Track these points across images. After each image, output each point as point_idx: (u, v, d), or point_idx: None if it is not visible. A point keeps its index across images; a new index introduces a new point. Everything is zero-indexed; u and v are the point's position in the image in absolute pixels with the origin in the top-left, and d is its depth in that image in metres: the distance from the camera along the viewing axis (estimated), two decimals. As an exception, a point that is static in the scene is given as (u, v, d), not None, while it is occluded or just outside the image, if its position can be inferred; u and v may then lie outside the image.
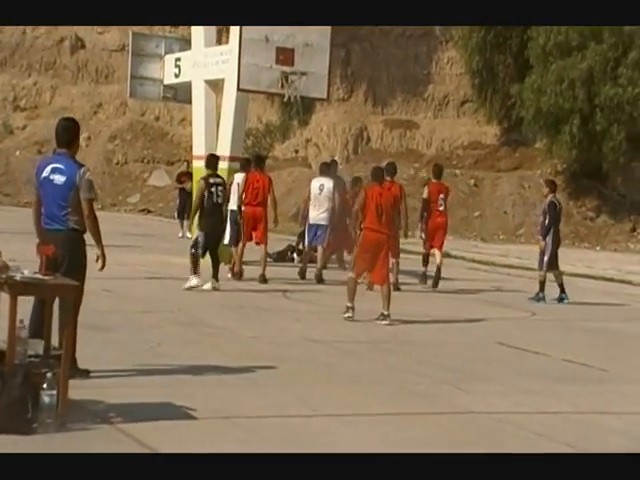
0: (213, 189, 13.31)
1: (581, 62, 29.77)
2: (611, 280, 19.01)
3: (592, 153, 30.52)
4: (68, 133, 7.32)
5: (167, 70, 19.25)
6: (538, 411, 7.26)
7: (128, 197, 39.05)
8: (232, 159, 17.40)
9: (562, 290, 14.26)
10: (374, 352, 9.38)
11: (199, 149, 18.27)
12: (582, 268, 20.68)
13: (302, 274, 15.57)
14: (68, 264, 7.10)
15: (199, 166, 18.07)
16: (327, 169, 16.48)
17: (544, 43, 30.48)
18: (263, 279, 14.65)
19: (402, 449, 5.83)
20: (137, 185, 39.83)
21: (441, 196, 15.20)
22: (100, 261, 7.35)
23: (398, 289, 14.09)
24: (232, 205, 14.90)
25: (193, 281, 13.02)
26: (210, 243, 13.29)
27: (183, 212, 23.28)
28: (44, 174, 7.22)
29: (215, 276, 13.25)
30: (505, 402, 7.45)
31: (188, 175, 22.56)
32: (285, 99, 17.49)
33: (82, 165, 7.30)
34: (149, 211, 36.76)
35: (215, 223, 13.39)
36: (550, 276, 14.31)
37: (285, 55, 16.62)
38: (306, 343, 9.58)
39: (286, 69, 16.63)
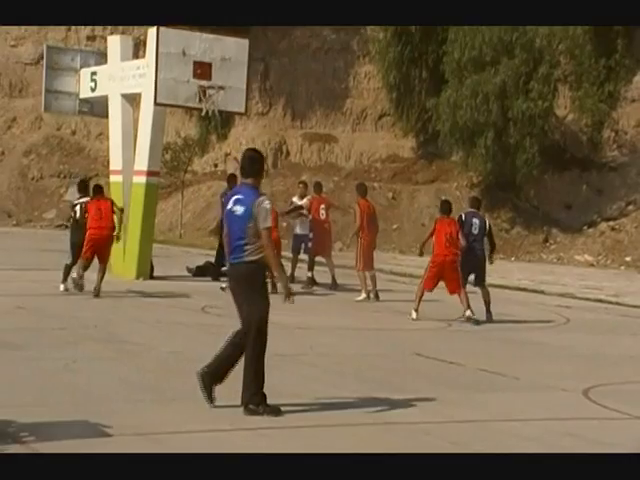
0: (77, 208, 14.96)
1: (494, 77, 30.41)
2: (525, 290, 19.41)
3: (506, 166, 31.16)
4: (254, 164, 7.29)
5: (83, 84, 19.04)
6: (453, 420, 7.37)
7: (44, 213, 38.43)
8: (150, 174, 17.30)
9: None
10: (292, 365, 9.41)
11: (116, 164, 18.12)
12: (497, 279, 21.03)
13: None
14: (247, 297, 7.09)
15: (117, 181, 17.93)
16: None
17: (459, 58, 31.05)
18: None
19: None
20: (53, 200, 39.21)
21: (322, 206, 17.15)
22: (285, 292, 7.23)
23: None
24: None
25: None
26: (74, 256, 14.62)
27: None
28: (228, 206, 7.19)
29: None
30: (421, 412, 7.55)
31: None
32: (203, 113, 17.48)
33: (260, 194, 7.21)
34: (66, 227, 36.17)
35: (77, 239, 14.64)
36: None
37: (202, 69, 16.61)
38: (225, 357, 9.55)
39: (204, 83, 16.63)
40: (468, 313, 13.21)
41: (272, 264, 7.15)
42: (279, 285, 7.24)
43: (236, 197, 7.18)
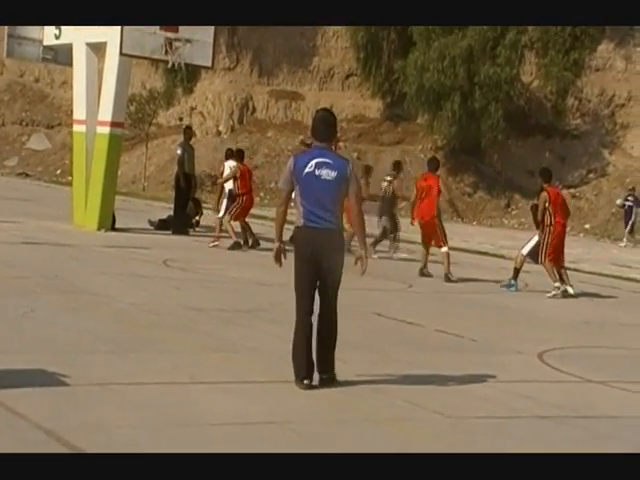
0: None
1: (462, 41, 30.42)
2: (486, 254, 19.59)
3: (471, 130, 31.29)
4: (330, 127, 6.91)
5: (47, 31, 18.72)
6: (410, 380, 7.45)
7: (5, 160, 37.96)
8: (114, 124, 17.12)
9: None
10: (254, 320, 9.46)
11: (80, 113, 17.89)
12: (459, 242, 21.20)
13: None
14: (334, 263, 6.77)
15: (80, 130, 17.73)
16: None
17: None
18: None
19: (280, 417, 5.95)
20: (15, 148, 38.73)
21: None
22: (363, 264, 6.89)
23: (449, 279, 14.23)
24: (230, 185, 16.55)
25: None
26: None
27: None
28: (307, 170, 6.70)
29: None
30: (378, 371, 7.62)
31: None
32: (169, 65, 17.32)
33: (347, 158, 7.01)
34: (27, 175, 35.85)
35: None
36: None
37: (170, 21, 16.40)
38: (185, 311, 9.58)
39: (170, 35, 16.46)
40: (569, 289, 13.61)
41: (362, 231, 6.96)
42: (361, 254, 6.87)
43: (320, 160, 6.72)
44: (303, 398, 6.57)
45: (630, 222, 27.63)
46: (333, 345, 6.96)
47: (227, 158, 17.42)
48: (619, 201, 28.89)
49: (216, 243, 16.15)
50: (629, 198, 27.97)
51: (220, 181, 17.17)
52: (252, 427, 5.64)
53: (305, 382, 6.78)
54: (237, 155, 16.97)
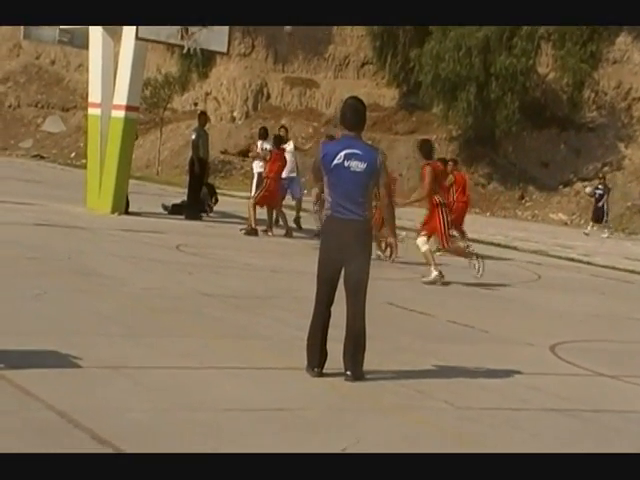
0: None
1: (478, 31, 30.29)
2: (498, 245, 19.54)
3: (486, 121, 31.18)
4: (360, 115, 6.74)
5: (64, 13, 18.72)
6: (420, 370, 7.46)
7: (20, 142, 38.06)
8: (129, 108, 17.14)
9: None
10: (265, 307, 9.47)
11: (95, 97, 17.91)
12: (470, 233, 21.14)
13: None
14: (362, 255, 6.70)
15: (95, 114, 17.74)
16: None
17: (445, 9, 30.82)
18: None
19: (288, 404, 5.96)
20: (30, 130, 38.82)
21: None
22: (394, 251, 7.01)
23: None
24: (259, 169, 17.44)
25: None
26: None
27: None
28: (336, 161, 6.55)
29: None
30: (388, 360, 7.63)
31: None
32: (185, 51, 17.35)
33: (377, 148, 6.95)
34: (42, 157, 35.95)
35: None
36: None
37: (186, 6, 16.40)
38: (198, 296, 9.60)
39: (187, 20, 16.43)
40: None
41: (393, 221, 6.96)
42: (391, 242, 7.04)
43: (349, 151, 6.58)
44: (313, 385, 6.58)
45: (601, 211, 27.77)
46: (359, 350, 6.83)
47: (260, 138, 17.95)
48: (589, 189, 29.10)
49: (269, 233, 16.42)
50: (599, 187, 28.08)
51: (251, 154, 18.12)
52: (262, 413, 5.66)
53: (315, 370, 6.77)
54: (275, 140, 17.16)
